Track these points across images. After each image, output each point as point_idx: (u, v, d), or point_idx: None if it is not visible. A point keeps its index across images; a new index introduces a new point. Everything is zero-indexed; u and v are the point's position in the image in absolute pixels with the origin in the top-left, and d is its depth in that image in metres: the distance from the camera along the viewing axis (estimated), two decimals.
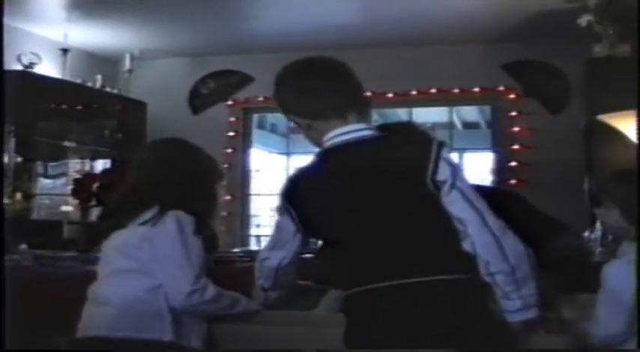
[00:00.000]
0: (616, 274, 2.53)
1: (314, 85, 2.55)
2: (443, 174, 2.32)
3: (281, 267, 2.65)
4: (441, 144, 2.36)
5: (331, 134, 2.45)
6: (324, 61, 2.70)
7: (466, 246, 2.30)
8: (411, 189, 2.34)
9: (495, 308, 2.33)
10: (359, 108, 2.52)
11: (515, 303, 2.30)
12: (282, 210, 2.53)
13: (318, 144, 2.51)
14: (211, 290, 2.75)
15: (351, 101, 2.52)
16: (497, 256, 2.28)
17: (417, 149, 2.39)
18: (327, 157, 2.46)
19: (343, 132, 2.45)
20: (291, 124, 2.66)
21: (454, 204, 2.32)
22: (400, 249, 2.32)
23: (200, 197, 2.93)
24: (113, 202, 3.10)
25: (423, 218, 2.35)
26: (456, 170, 2.34)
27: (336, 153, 2.44)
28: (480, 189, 2.42)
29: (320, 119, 2.48)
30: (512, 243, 2.32)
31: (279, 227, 2.61)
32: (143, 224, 2.79)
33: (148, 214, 2.80)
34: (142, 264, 2.77)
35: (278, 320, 2.89)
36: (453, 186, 2.32)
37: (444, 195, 2.32)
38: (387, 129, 2.53)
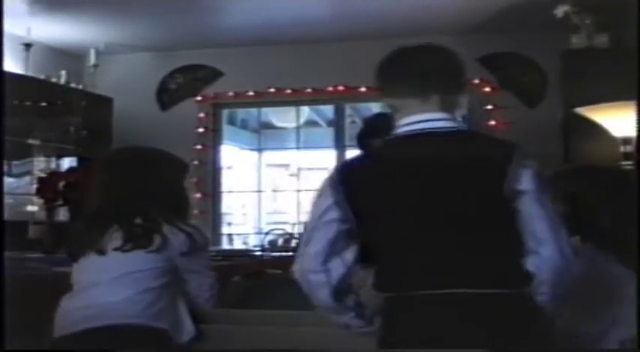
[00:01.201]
0: None
1: (401, 65, 2.44)
2: (525, 183, 2.17)
3: (344, 285, 2.34)
4: (524, 150, 2.22)
5: (407, 120, 2.30)
6: (420, 45, 2.52)
7: (530, 263, 2.18)
8: (485, 194, 2.19)
9: (545, 324, 2.22)
10: (444, 94, 2.34)
11: None
12: (330, 203, 2.28)
13: None
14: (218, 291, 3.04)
15: (434, 85, 2.34)
16: (558, 285, 2.19)
17: (499, 151, 2.23)
18: (397, 146, 2.31)
19: (419, 121, 2.29)
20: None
21: (534, 220, 2.17)
22: (460, 256, 2.17)
23: (183, 199, 3.14)
24: (94, 206, 3.09)
25: (491, 227, 2.20)
26: (539, 181, 2.19)
27: (409, 143, 2.29)
28: None
29: (399, 97, 2.36)
30: (576, 269, 2.23)
31: (326, 227, 2.30)
32: (152, 232, 2.91)
33: (151, 222, 2.93)
34: (153, 269, 2.89)
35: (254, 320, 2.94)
36: (535, 199, 2.17)
37: (523, 206, 2.17)
38: None
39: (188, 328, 2.87)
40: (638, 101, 3.55)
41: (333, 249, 2.27)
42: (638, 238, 2.36)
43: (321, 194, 2.32)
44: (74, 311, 2.88)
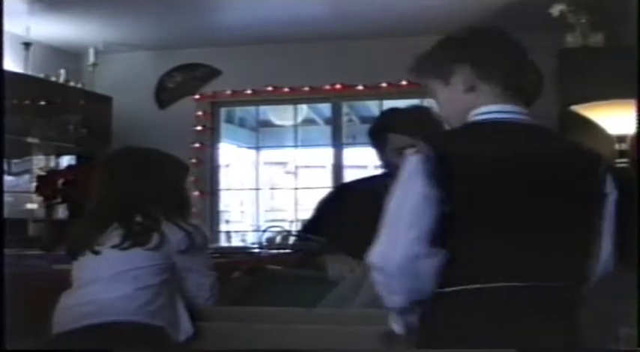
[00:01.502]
0: None
1: (498, 50, 2.28)
2: (610, 186, 2.19)
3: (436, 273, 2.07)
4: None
5: (490, 108, 2.19)
6: (510, 37, 2.37)
7: (592, 263, 2.20)
8: (573, 192, 2.14)
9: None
10: (523, 89, 2.27)
11: None
12: (425, 181, 2.06)
13: (458, 115, 2.25)
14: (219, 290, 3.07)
15: (522, 78, 2.28)
16: (599, 285, 2.24)
17: (588, 151, 2.22)
18: (495, 132, 2.18)
19: (505, 111, 2.19)
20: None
21: (608, 223, 2.20)
22: (539, 251, 2.09)
23: (184, 199, 3.19)
24: (95, 204, 3.12)
25: (570, 224, 2.14)
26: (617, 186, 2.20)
27: (500, 130, 2.18)
28: None
29: (485, 81, 2.21)
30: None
31: (423, 208, 2.06)
32: (151, 229, 2.94)
33: (150, 220, 2.96)
34: (151, 266, 2.92)
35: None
36: (614, 203, 2.19)
37: (605, 208, 2.19)
38: None
39: (186, 326, 2.88)
40: (638, 100, 3.57)
41: (434, 232, 2.05)
42: (638, 238, 2.31)
43: (412, 173, 2.09)
44: (72, 308, 2.90)
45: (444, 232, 2.05)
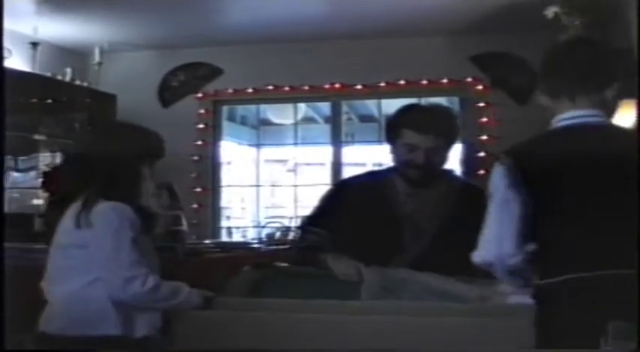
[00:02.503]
0: None
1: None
2: None
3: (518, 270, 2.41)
4: None
5: (569, 114, 2.43)
6: (573, 43, 2.71)
7: None
8: (629, 185, 2.25)
9: None
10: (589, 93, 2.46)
11: None
12: (509, 184, 2.35)
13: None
14: (152, 279, 2.68)
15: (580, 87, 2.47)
16: None
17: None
18: (566, 136, 2.42)
19: (582, 115, 2.43)
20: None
21: None
22: (605, 240, 2.27)
23: (124, 179, 2.86)
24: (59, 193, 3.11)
25: (625, 216, 2.25)
26: None
27: (576, 134, 2.40)
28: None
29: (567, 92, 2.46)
30: None
31: (508, 213, 2.35)
32: (74, 217, 2.76)
33: (77, 206, 2.78)
34: (79, 259, 2.73)
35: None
36: None
37: None
38: None
39: (140, 327, 2.73)
40: (638, 100, 3.68)
41: (521, 232, 2.36)
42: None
43: (496, 184, 2.39)
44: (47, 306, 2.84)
45: (533, 230, 2.33)
